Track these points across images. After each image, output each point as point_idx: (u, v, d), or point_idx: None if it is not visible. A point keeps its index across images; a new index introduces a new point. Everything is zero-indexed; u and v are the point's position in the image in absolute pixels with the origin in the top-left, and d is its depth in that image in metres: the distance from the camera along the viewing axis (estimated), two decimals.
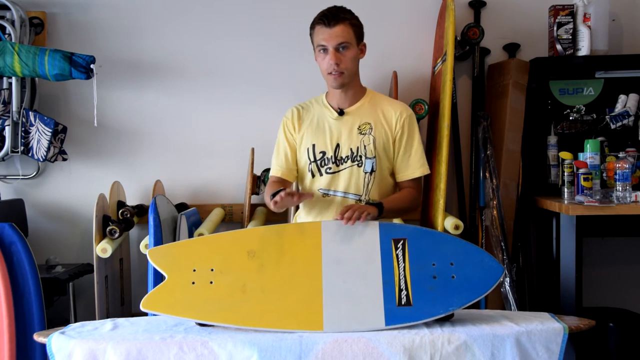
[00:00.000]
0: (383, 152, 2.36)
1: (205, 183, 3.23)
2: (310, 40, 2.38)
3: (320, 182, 2.38)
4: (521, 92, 3.06)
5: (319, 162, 2.37)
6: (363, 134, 2.35)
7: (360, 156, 2.34)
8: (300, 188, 2.50)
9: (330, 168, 2.36)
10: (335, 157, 2.35)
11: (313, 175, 2.38)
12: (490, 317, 2.05)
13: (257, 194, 3.06)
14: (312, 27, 2.33)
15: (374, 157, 2.34)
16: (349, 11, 2.33)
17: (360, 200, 2.35)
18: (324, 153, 2.36)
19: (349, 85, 2.35)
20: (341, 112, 2.37)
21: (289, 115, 2.45)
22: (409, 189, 2.42)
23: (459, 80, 3.22)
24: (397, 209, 2.34)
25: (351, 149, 2.35)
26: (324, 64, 2.30)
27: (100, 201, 2.77)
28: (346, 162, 2.35)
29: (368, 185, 2.35)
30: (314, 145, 2.38)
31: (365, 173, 2.35)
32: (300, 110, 2.44)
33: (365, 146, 2.34)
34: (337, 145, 2.36)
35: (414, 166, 2.40)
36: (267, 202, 2.25)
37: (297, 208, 2.70)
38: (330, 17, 2.26)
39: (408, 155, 2.39)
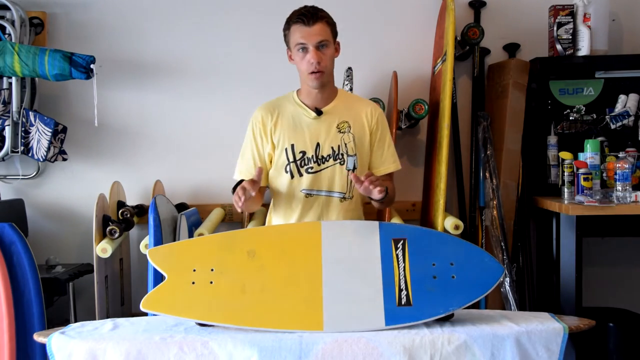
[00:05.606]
0: (362, 148, 2.37)
1: (205, 183, 3.23)
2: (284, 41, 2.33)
3: (302, 183, 2.34)
4: (521, 92, 3.06)
5: (299, 162, 2.33)
6: (342, 132, 2.34)
7: (342, 154, 2.34)
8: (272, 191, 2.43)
9: (311, 168, 2.33)
10: (317, 157, 2.33)
11: (292, 176, 2.34)
12: (490, 317, 2.05)
13: None
14: (288, 27, 2.30)
15: (355, 154, 2.35)
16: (324, 10, 2.30)
17: (344, 199, 2.35)
18: (304, 153, 2.33)
19: (326, 85, 2.34)
20: (319, 112, 2.35)
21: (259, 118, 2.38)
22: (389, 182, 2.42)
23: (459, 80, 3.22)
24: (390, 199, 2.35)
25: (332, 148, 2.33)
26: (304, 63, 2.27)
27: (100, 201, 2.77)
28: (328, 160, 2.33)
29: (351, 182, 2.34)
30: (292, 145, 2.33)
31: (348, 170, 2.34)
32: (272, 111, 2.38)
33: (346, 144, 2.34)
34: (318, 145, 2.33)
35: (388, 161, 2.43)
36: (235, 203, 2.13)
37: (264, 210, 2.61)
38: (309, 15, 2.23)
39: (382, 150, 2.41)
